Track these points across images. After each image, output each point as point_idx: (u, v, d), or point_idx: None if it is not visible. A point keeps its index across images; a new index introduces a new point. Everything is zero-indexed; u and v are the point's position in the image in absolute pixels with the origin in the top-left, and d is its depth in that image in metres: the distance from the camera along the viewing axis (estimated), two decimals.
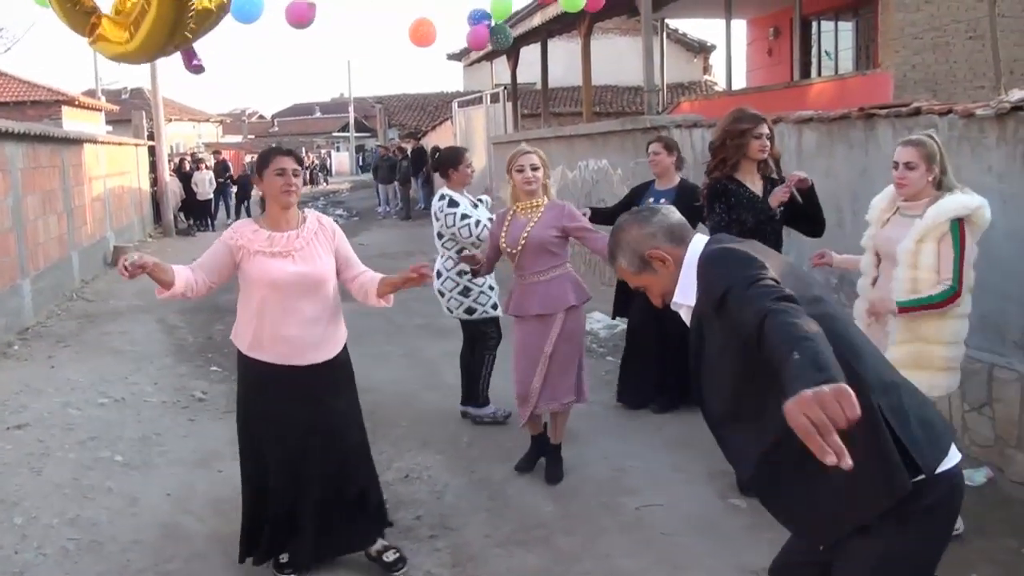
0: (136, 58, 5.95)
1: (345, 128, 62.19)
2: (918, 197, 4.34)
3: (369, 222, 24.39)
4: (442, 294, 6.40)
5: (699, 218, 5.59)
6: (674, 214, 2.72)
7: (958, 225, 4.17)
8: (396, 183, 25.70)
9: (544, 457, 5.52)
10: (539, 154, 5.26)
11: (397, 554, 4.33)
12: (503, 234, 5.26)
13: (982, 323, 5.41)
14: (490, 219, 6.07)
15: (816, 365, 1.96)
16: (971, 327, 4.45)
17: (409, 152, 26.47)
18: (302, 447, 4.10)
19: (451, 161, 6.42)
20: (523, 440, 5.91)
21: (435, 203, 6.35)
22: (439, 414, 6.73)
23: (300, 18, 7.63)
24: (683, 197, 6.16)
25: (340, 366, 4.26)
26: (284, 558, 4.23)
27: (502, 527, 4.77)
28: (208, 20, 5.86)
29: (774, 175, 5.11)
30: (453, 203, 6.22)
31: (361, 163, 59.26)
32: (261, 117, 77.95)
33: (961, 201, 4.20)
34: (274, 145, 5.19)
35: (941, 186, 4.30)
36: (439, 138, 26.04)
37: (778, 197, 4.83)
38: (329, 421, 4.16)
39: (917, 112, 6.04)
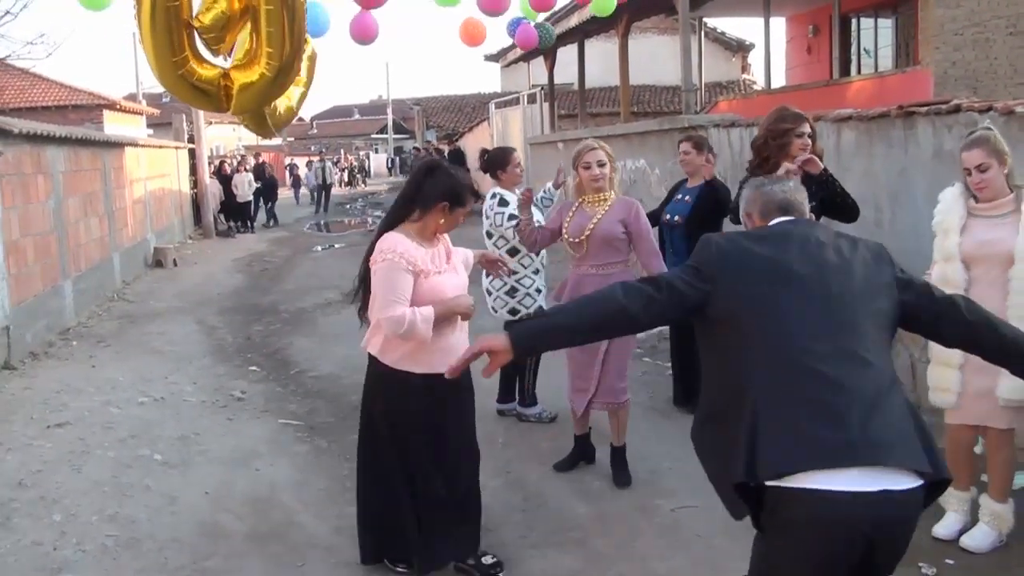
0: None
1: (383, 130, 62.54)
2: (998, 196, 4.22)
3: None
4: (489, 292, 6.39)
5: (723, 215, 5.58)
6: (786, 191, 2.85)
7: None
8: None
9: (583, 460, 5.56)
10: (605, 149, 5.28)
11: (495, 558, 4.30)
12: (566, 224, 5.29)
13: None
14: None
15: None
16: None
17: (446, 153, 26.53)
18: (443, 451, 4.12)
19: (500, 162, 6.44)
20: (559, 442, 5.91)
21: (487, 201, 6.33)
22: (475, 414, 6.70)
23: (364, 33, 7.76)
24: (705, 195, 6.28)
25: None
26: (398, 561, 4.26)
27: (537, 528, 4.76)
28: (307, 71, 6.15)
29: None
30: (503, 202, 6.21)
31: (391, 165, 59.18)
32: (300, 119, 78.44)
33: None
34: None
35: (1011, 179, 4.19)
36: (476, 139, 26.06)
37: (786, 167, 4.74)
38: (459, 422, 4.20)
39: (957, 110, 5.96)
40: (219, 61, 5.70)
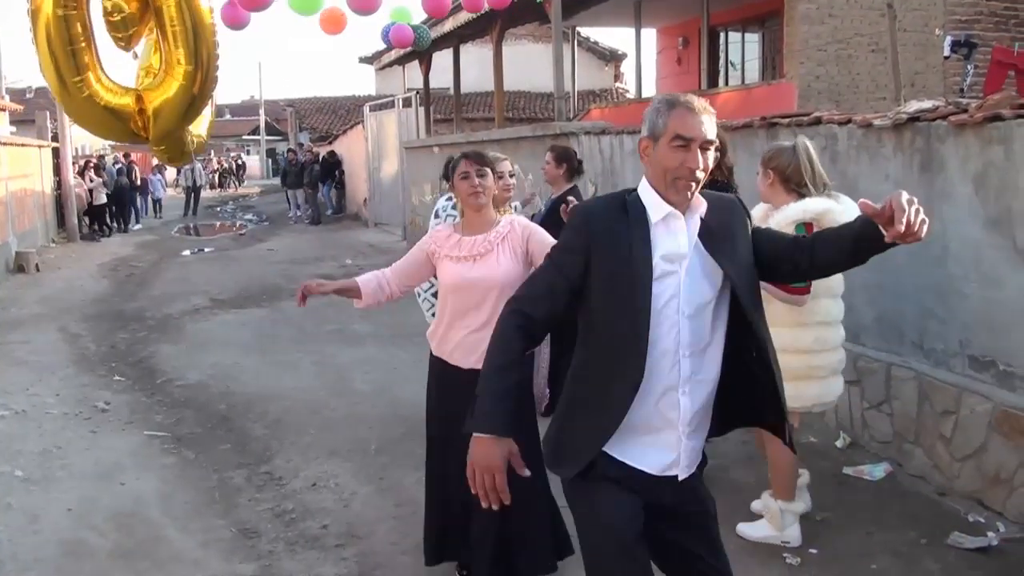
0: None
1: (256, 131, 61.23)
2: (778, 204, 4.38)
3: (279, 227, 24.12)
4: (418, 294, 6.44)
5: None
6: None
7: (804, 229, 4.13)
8: (303, 188, 25.38)
9: None
10: (511, 161, 5.37)
11: None
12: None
13: (879, 324, 5.60)
14: None
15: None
16: (868, 328, 4.59)
17: (320, 157, 26.22)
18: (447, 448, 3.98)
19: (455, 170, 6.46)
20: None
21: (440, 203, 6.36)
22: (348, 421, 6.68)
23: (236, 19, 7.67)
24: (553, 206, 6.27)
25: None
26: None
27: (410, 534, 4.73)
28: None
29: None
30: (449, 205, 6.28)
31: (274, 167, 58.27)
32: None
33: (803, 206, 4.22)
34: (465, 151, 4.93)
35: (801, 193, 4.32)
36: (351, 142, 25.83)
37: None
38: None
39: (817, 121, 6.22)
40: (128, 81, 5.52)
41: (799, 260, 2.61)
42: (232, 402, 7.29)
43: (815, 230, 4.03)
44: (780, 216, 4.24)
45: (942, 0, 11.93)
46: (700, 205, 2.57)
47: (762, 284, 2.74)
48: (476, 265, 3.96)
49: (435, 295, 6.33)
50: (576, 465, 2.62)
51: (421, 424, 6.40)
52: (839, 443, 5.78)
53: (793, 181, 4.33)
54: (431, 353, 4.17)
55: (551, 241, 3.71)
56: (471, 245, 3.99)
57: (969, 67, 9.74)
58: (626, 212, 2.55)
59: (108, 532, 4.92)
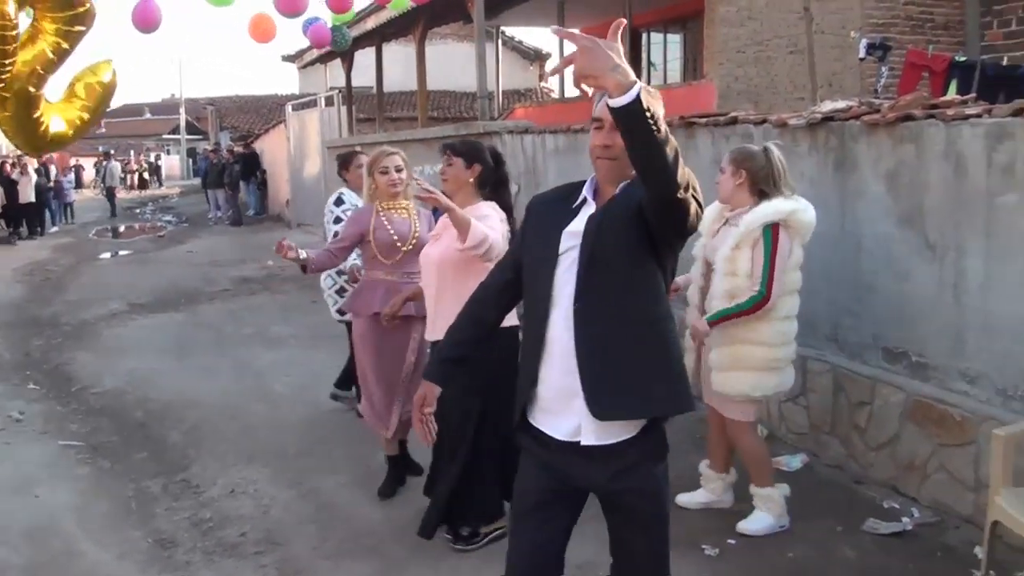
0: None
1: (176, 130, 60.13)
2: (737, 205, 4.50)
3: (199, 228, 23.72)
4: (323, 290, 6.48)
5: None
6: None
7: (771, 231, 4.32)
8: (224, 188, 24.99)
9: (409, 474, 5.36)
10: (402, 155, 5.24)
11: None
12: (390, 229, 5.08)
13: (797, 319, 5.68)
14: None
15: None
16: None
17: (240, 156, 25.80)
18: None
19: (344, 163, 6.58)
20: (354, 449, 5.87)
21: (328, 201, 6.46)
22: (267, 426, 6.57)
23: (147, 21, 7.49)
24: None
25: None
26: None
27: (330, 538, 4.69)
28: (96, 96, 5.65)
29: None
30: (339, 202, 6.34)
31: (193, 167, 57.28)
32: None
33: (774, 206, 4.36)
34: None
35: (765, 195, 4.43)
36: (273, 141, 25.48)
37: None
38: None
39: (734, 121, 6.30)
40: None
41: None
42: (149, 409, 7.12)
43: (780, 231, 4.31)
44: (751, 217, 4.37)
45: (859, 4, 12.15)
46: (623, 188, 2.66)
47: (731, 318, 3.73)
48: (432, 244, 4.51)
49: (339, 292, 6.33)
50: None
51: (341, 427, 6.43)
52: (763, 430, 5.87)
53: (762, 184, 4.45)
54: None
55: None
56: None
57: (884, 69, 9.94)
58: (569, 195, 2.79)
59: (21, 547, 4.76)
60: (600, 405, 2.58)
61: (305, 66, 26.33)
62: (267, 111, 32.60)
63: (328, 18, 10.77)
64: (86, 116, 5.66)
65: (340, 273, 6.28)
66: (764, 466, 4.62)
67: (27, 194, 22.07)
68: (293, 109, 21.97)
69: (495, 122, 12.52)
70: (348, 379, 6.74)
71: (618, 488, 2.68)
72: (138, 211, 31.91)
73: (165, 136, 65.13)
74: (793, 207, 4.38)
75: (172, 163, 61.16)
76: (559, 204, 2.78)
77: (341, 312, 6.26)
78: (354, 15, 14.80)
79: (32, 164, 23.27)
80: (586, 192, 2.72)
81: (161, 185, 51.43)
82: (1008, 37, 11.55)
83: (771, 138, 5.88)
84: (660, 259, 2.62)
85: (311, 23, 10.97)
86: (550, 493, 2.73)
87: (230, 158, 25.60)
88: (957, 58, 9.54)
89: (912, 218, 4.89)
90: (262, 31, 9.05)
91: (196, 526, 4.94)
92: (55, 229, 24.40)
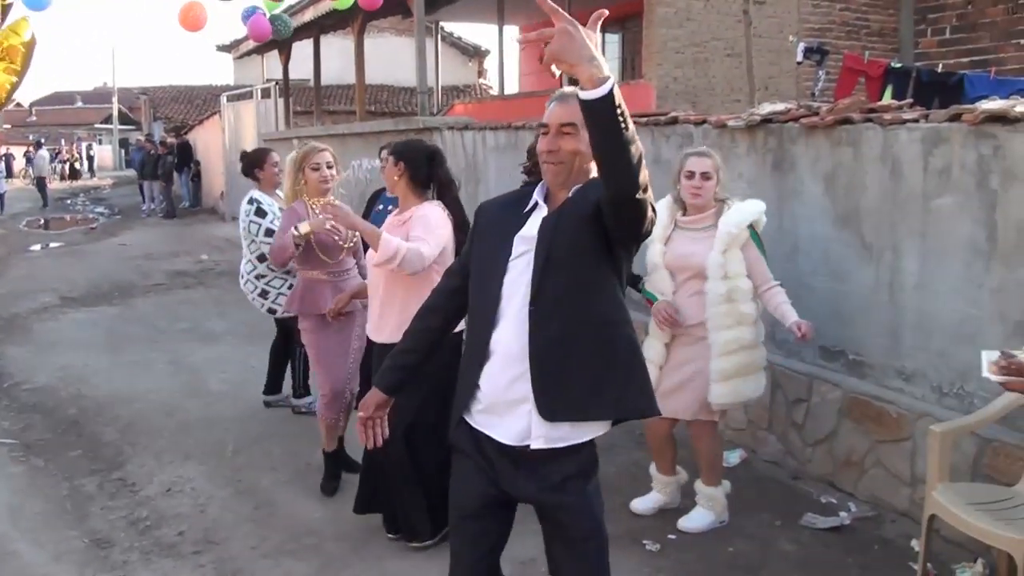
0: None
1: (108, 120, 58.89)
2: (705, 209, 4.53)
3: (132, 221, 23.25)
4: (246, 293, 6.39)
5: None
6: None
7: (754, 229, 4.47)
8: (159, 180, 24.55)
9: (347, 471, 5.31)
10: (331, 151, 5.20)
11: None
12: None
13: None
14: None
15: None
16: None
17: (174, 147, 25.36)
18: None
19: (256, 162, 6.34)
20: (290, 446, 5.81)
21: (243, 206, 6.23)
22: (203, 423, 6.47)
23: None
24: None
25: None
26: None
27: (270, 537, 4.64)
28: (20, 56, 5.49)
29: None
30: (261, 213, 6.13)
31: (125, 157, 56.14)
32: (18, 105, 72.58)
33: (753, 208, 4.49)
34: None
35: (720, 200, 4.53)
36: (207, 132, 25.10)
37: None
38: None
39: (674, 121, 6.36)
40: None
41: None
42: (83, 406, 6.97)
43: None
44: (735, 219, 4.42)
45: (796, 8, 12.37)
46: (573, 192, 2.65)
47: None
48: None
49: (262, 295, 6.23)
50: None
51: (278, 424, 6.37)
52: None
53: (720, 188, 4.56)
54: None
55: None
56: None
57: (821, 72, 10.13)
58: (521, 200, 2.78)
59: None
60: (551, 407, 2.57)
61: (241, 56, 25.90)
62: (202, 102, 32.09)
63: (263, 5, 10.59)
64: (14, 79, 5.60)
65: (260, 277, 6.21)
66: (718, 466, 4.69)
67: None
68: (228, 100, 21.66)
69: (435, 118, 12.48)
70: (275, 383, 6.76)
71: (549, 502, 2.67)
72: (69, 202, 31.21)
73: (97, 125, 63.86)
74: (762, 207, 4.54)
75: (104, 153, 59.85)
76: (510, 209, 2.77)
77: (272, 311, 6.29)
78: (291, 5, 14.70)
79: None
80: (537, 196, 2.71)
81: (93, 176, 50.31)
82: (942, 45, 11.86)
83: (710, 138, 5.95)
84: (615, 261, 2.61)
85: (249, 14, 10.80)
86: (485, 499, 2.72)
87: (163, 150, 25.11)
88: (893, 64, 9.76)
89: (849, 219, 4.99)
90: (192, 19, 8.88)
91: (133, 525, 4.85)
92: None
